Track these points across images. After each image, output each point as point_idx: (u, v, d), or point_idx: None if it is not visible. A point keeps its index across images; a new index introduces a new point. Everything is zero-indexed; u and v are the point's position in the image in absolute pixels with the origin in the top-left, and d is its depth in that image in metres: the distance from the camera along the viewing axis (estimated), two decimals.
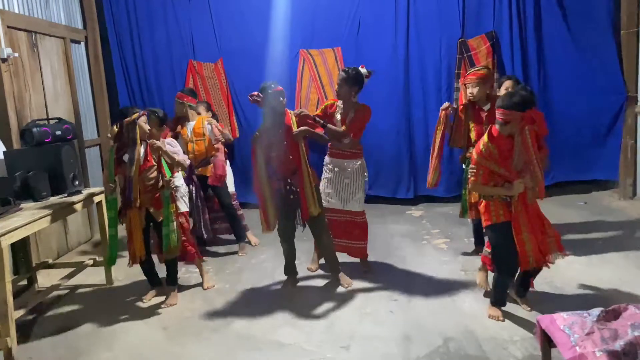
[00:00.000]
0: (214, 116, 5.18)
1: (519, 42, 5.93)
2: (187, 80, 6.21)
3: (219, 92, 6.26)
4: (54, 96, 5.08)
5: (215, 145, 4.57)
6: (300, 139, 3.66)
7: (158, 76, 6.26)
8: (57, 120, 4.30)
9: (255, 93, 3.72)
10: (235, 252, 4.76)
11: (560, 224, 4.90)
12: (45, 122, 4.26)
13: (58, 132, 4.09)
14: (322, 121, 3.80)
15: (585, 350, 1.97)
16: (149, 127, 3.66)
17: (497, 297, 3.28)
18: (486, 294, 3.50)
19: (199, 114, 4.74)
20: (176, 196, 3.87)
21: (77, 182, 4.09)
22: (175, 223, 3.69)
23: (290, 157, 3.70)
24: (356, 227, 4.05)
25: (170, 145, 3.81)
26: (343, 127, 3.86)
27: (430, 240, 4.85)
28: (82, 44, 5.82)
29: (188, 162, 3.84)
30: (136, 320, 3.56)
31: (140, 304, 3.82)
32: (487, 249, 3.48)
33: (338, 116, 3.94)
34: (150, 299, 3.88)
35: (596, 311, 2.26)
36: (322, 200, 3.91)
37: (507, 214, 3.08)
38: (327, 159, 4.08)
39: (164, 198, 3.64)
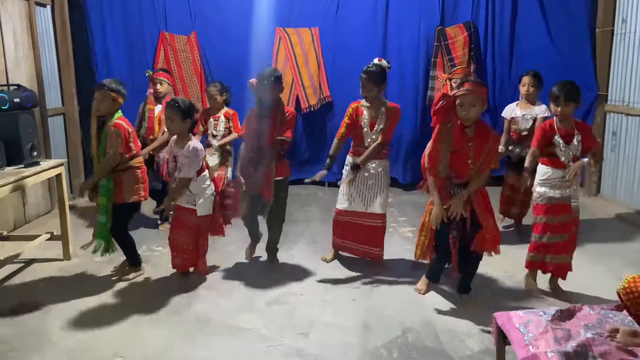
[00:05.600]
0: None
1: (495, 34, 5.94)
2: (157, 52, 6.02)
3: (191, 67, 6.09)
4: (15, 61, 4.85)
5: None
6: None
7: (127, 46, 6.03)
8: (16, 87, 4.11)
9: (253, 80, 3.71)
10: None
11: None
12: (3, 88, 4.06)
13: (17, 100, 3.90)
14: (353, 161, 3.75)
15: (538, 350, 1.98)
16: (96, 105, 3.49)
17: (429, 271, 3.53)
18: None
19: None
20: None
21: (35, 153, 3.93)
22: (105, 216, 3.57)
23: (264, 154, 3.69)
24: (376, 231, 3.89)
25: (187, 156, 3.44)
26: (374, 134, 3.74)
27: (397, 229, 4.85)
28: (48, 7, 5.56)
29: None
30: (92, 297, 3.46)
31: (96, 281, 3.72)
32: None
33: (365, 120, 3.73)
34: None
35: (552, 310, 2.27)
36: (344, 202, 3.84)
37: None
38: (349, 158, 3.86)
39: (101, 188, 3.54)
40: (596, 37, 5.76)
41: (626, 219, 5.03)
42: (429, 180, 3.22)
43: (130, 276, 3.75)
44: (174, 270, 3.80)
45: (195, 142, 3.51)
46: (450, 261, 3.28)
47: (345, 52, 6.07)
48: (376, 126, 3.73)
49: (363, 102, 3.80)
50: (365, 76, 3.66)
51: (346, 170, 3.86)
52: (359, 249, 3.98)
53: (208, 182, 3.60)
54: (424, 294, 3.46)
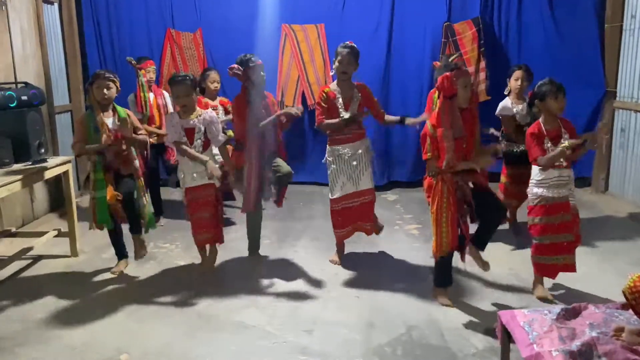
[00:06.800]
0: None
1: (503, 30, 5.89)
2: (164, 50, 6.04)
3: (196, 64, 6.10)
4: (22, 58, 4.88)
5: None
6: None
7: (134, 44, 6.06)
8: (24, 85, 4.14)
9: (235, 66, 3.69)
10: None
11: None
12: (11, 86, 4.09)
13: (24, 97, 3.93)
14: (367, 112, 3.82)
15: (542, 349, 1.97)
16: (107, 93, 3.52)
17: (438, 277, 3.35)
18: None
19: None
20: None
21: (42, 150, 3.96)
22: (144, 199, 3.68)
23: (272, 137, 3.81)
24: (368, 207, 3.95)
25: (211, 121, 3.61)
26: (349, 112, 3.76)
27: (402, 226, 4.84)
28: (56, 5, 5.59)
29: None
30: (97, 293, 3.49)
31: (102, 277, 3.75)
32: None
33: (340, 102, 3.76)
34: (119, 271, 3.80)
35: (557, 309, 2.25)
36: (338, 191, 3.85)
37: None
38: (330, 148, 3.88)
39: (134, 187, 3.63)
40: (605, 32, 5.70)
41: (634, 217, 4.98)
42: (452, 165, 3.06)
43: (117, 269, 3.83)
44: (177, 268, 3.84)
45: (205, 110, 3.69)
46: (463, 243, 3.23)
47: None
48: (351, 105, 3.77)
49: (332, 85, 3.85)
50: (347, 50, 3.72)
51: (328, 160, 3.90)
52: (355, 226, 4.01)
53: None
54: (452, 305, 3.26)
